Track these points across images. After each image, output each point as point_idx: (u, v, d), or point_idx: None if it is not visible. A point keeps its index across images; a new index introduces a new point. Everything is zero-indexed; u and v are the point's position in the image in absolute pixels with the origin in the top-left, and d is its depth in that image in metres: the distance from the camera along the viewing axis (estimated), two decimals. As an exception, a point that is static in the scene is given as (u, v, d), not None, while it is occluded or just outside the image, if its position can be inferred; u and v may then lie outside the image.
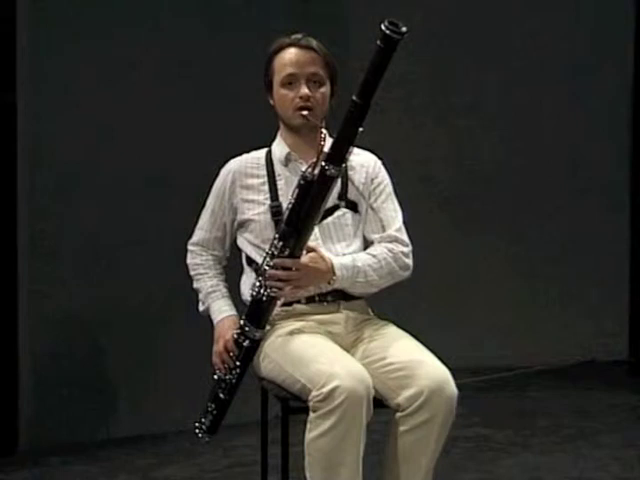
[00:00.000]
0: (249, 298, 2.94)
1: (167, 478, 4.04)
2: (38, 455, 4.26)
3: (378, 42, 2.72)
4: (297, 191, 2.82)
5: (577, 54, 5.87)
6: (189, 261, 3.17)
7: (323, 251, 2.91)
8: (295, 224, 2.81)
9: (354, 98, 2.76)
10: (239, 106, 4.48)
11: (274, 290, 2.86)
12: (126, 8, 4.44)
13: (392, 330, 2.99)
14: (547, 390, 5.44)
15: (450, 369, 2.83)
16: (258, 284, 2.89)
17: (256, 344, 2.94)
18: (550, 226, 5.93)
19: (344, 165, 2.82)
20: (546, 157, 5.90)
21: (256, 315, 2.92)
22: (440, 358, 2.86)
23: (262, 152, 3.09)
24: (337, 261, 2.90)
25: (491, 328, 5.79)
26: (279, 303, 2.94)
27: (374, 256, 2.96)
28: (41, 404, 4.36)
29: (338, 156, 2.78)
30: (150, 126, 4.46)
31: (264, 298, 2.88)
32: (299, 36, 3.01)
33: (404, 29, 2.71)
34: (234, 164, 3.09)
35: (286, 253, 2.83)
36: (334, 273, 2.89)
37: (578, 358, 5.93)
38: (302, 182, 2.81)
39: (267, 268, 2.85)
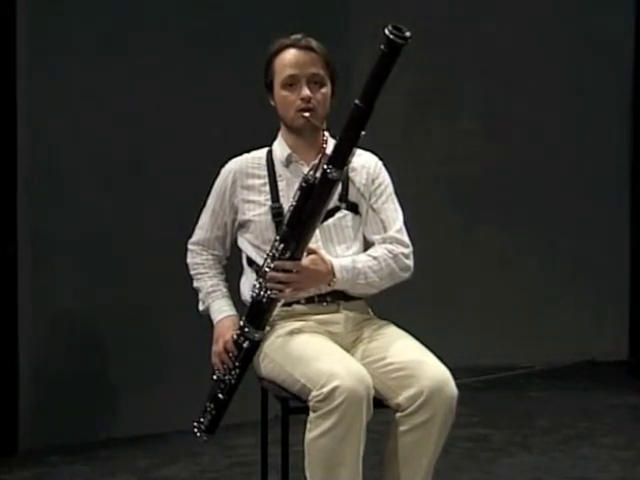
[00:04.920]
0: (249, 299, 2.94)
1: (167, 478, 4.04)
2: (38, 455, 4.25)
3: (382, 46, 2.71)
4: (299, 193, 2.81)
5: (577, 54, 5.87)
6: (189, 260, 3.17)
7: (323, 253, 2.91)
8: (296, 226, 2.81)
9: (357, 102, 2.75)
10: (239, 106, 4.48)
11: (274, 292, 2.86)
12: (127, 9, 4.43)
13: (392, 330, 2.99)
14: (547, 390, 5.44)
15: (450, 369, 2.83)
16: (258, 285, 2.89)
17: (256, 345, 2.95)
18: (550, 227, 5.93)
19: (346, 168, 2.82)
20: (547, 158, 5.90)
21: (256, 316, 2.92)
22: (440, 358, 2.86)
23: (263, 152, 3.09)
24: (337, 263, 2.90)
25: (491, 328, 5.79)
26: (279, 304, 2.94)
27: (374, 258, 2.96)
28: (41, 404, 4.36)
29: (340, 159, 2.78)
30: (150, 126, 4.46)
31: (264, 300, 2.88)
32: (299, 37, 3.00)
33: (408, 34, 2.69)
34: (235, 164, 3.08)
35: (287, 255, 2.83)
36: (334, 275, 2.89)
37: (578, 358, 5.93)
38: (304, 184, 2.80)
39: (267, 270, 2.85)
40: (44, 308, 4.34)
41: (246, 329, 2.93)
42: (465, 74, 5.78)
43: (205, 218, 3.13)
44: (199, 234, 3.14)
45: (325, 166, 2.78)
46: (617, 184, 6.02)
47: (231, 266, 3.18)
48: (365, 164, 3.05)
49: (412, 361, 2.81)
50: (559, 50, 5.86)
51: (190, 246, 3.17)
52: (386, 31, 2.69)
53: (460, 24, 5.75)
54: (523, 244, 5.91)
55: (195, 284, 3.16)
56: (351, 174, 3.00)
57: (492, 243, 5.87)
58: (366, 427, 2.71)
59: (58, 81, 4.33)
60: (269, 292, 2.86)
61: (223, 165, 3.10)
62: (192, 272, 3.16)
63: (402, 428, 2.77)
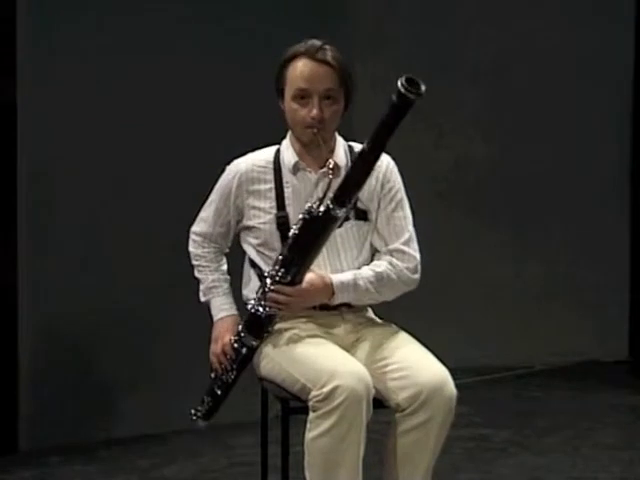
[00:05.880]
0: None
1: (167, 478, 4.04)
2: (38, 455, 4.25)
3: (393, 97, 2.66)
4: (301, 223, 2.79)
5: (578, 58, 5.86)
6: (191, 249, 3.12)
7: (323, 273, 2.89)
8: (297, 253, 2.81)
9: (365, 147, 2.73)
10: (242, 105, 4.48)
11: (274, 309, 2.87)
12: (128, 9, 4.42)
13: (392, 330, 2.99)
14: (547, 390, 5.43)
15: (450, 369, 2.83)
16: (257, 301, 2.89)
17: (253, 351, 2.95)
18: (551, 227, 5.93)
19: (349, 207, 2.79)
20: (547, 158, 5.90)
21: (255, 327, 2.92)
22: (440, 358, 2.86)
23: (270, 154, 3.01)
24: (337, 281, 2.88)
25: (491, 328, 5.78)
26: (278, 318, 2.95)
27: (377, 273, 2.92)
28: (41, 404, 4.36)
29: (345, 199, 2.76)
30: (151, 126, 4.45)
31: (263, 315, 2.89)
32: (316, 45, 2.88)
33: (423, 89, 2.64)
34: (241, 166, 3.00)
35: (288, 279, 2.83)
36: (334, 292, 2.89)
37: (578, 358, 5.93)
38: (307, 217, 2.78)
39: (267, 290, 2.85)
40: (44, 308, 4.34)
41: (243, 335, 2.93)
42: (466, 77, 5.77)
43: (208, 213, 3.07)
44: (202, 226, 3.09)
45: (329, 202, 2.75)
46: (617, 185, 6.02)
47: (232, 264, 3.17)
48: (375, 168, 2.91)
49: (411, 361, 2.82)
50: (561, 52, 5.85)
51: (192, 235, 3.12)
52: (399, 83, 2.64)
53: (459, 22, 5.74)
54: (524, 244, 5.91)
55: (196, 274, 3.12)
56: None
57: (492, 243, 5.87)
58: (366, 427, 2.71)
59: (59, 82, 4.32)
60: (268, 309, 2.87)
61: (223, 163, 3.07)
62: (194, 262, 3.12)
63: (402, 428, 2.78)
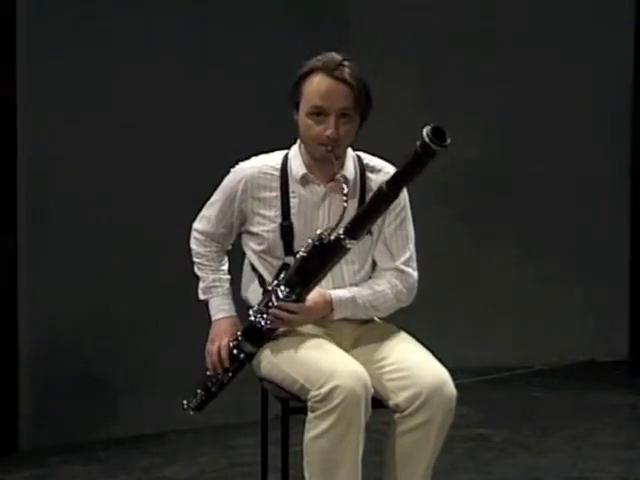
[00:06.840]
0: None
1: (167, 478, 4.04)
2: (38, 455, 4.25)
3: (417, 145, 2.67)
4: (310, 248, 2.80)
5: (578, 57, 5.87)
6: (193, 246, 3.10)
7: (327, 281, 2.90)
8: (303, 276, 2.82)
9: (383, 186, 2.75)
10: (244, 108, 4.48)
11: (275, 325, 2.89)
12: (128, 9, 4.42)
13: (391, 330, 2.99)
14: (547, 390, 5.44)
15: (450, 369, 2.83)
16: (259, 312, 2.89)
17: (251, 357, 2.96)
18: (551, 227, 5.93)
19: (360, 239, 2.81)
20: (547, 158, 5.90)
21: (254, 338, 2.93)
22: (440, 358, 2.86)
23: (278, 161, 2.97)
24: (337, 298, 2.89)
25: (491, 328, 5.79)
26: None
27: (376, 292, 2.94)
28: (41, 404, 4.36)
29: (356, 232, 2.77)
30: (151, 126, 4.45)
31: (264, 328, 2.90)
32: (336, 60, 2.84)
33: (448, 141, 2.65)
34: (248, 171, 2.96)
35: (292, 298, 2.84)
36: (332, 309, 2.90)
37: (578, 358, 5.93)
38: (317, 243, 2.79)
39: (272, 305, 2.85)
40: (44, 308, 4.33)
41: (242, 340, 2.93)
42: (465, 74, 5.77)
43: (211, 212, 3.04)
44: (205, 225, 3.06)
45: (340, 232, 2.76)
46: (617, 186, 6.02)
47: (231, 263, 3.17)
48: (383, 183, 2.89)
49: (411, 362, 2.82)
50: (560, 54, 5.85)
51: (195, 233, 3.10)
52: (424, 132, 2.66)
53: (458, 20, 5.74)
54: (523, 244, 5.91)
55: (197, 272, 3.10)
56: (369, 194, 2.90)
57: (492, 243, 5.87)
58: (366, 427, 2.72)
59: (59, 80, 4.32)
60: (269, 322, 2.88)
61: (224, 164, 3.06)
62: (195, 259, 3.10)
63: (401, 429, 2.78)
